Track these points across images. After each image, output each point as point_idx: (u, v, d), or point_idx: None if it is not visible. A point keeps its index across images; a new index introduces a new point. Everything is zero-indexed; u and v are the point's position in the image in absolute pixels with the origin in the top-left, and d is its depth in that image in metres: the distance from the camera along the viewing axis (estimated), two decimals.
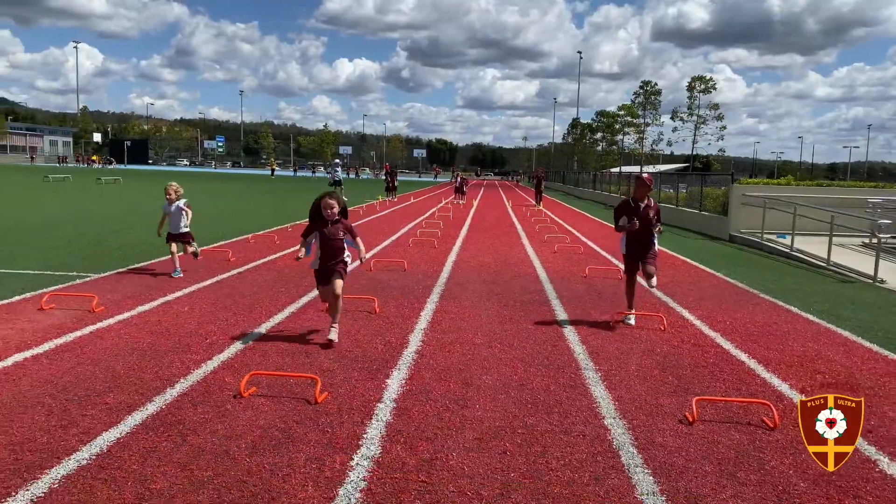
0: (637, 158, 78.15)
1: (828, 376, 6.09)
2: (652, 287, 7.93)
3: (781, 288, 10.87)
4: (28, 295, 8.16)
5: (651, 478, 3.92)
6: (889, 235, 14.00)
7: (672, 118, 73.93)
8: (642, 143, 78.82)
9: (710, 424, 4.81)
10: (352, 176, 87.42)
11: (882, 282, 11.62)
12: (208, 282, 9.51)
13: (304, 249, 6.76)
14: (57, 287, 8.61)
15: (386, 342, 6.69)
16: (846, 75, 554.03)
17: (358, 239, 6.58)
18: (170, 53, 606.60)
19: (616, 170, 58.75)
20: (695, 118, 71.53)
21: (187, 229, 10.23)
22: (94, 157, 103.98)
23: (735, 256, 15.37)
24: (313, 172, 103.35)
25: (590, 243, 16.96)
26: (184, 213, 10.14)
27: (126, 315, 7.38)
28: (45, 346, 6.07)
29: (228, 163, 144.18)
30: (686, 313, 8.61)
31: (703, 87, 71.97)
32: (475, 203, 34.94)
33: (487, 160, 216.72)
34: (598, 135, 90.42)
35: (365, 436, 4.37)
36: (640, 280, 8.11)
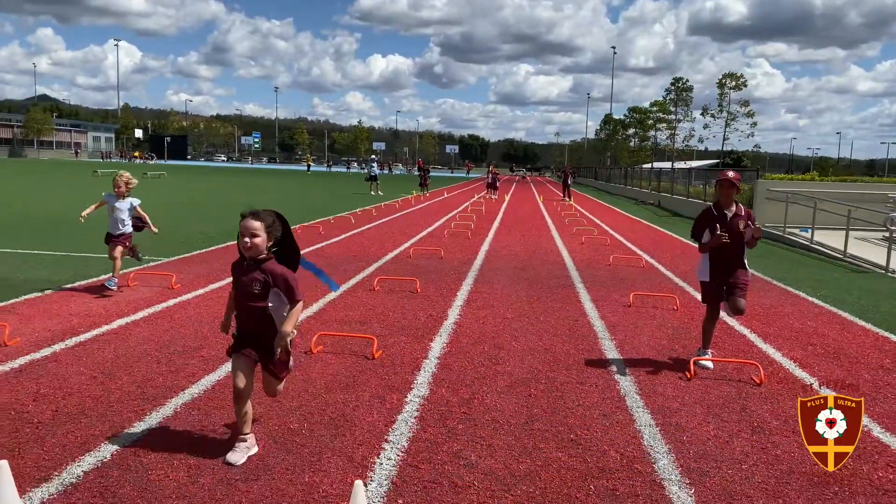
0: (669, 154, 78.20)
1: (818, 348, 6.90)
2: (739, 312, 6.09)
3: (795, 277, 11.58)
4: (110, 275, 9.28)
5: (649, 415, 4.82)
6: None
7: (702, 114, 73.87)
8: (673, 140, 78.82)
9: (705, 381, 5.68)
10: (385, 171, 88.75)
11: (894, 272, 12.26)
12: None
13: (227, 315, 4.17)
14: (135, 268, 9.73)
15: (428, 315, 7.66)
16: (889, 69, 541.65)
17: (297, 305, 3.90)
18: (206, 50, 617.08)
19: (647, 166, 59.05)
20: (725, 115, 71.42)
21: (129, 229, 8.42)
22: (135, 153, 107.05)
23: (756, 248, 16.02)
24: (348, 168, 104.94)
25: (617, 235, 17.74)
26: (129, 212, 8.38)
27: (200, 291, 8.46)
28: (140, 314, 7.15)
29: (264, 158, 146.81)
30: (699, 296, 9.41)
31: (733, 83, 71.87)
32: (507, 198, 35.77)
33: (520, 156, 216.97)
34: (631, 131, 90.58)
35: (416, 381, 5.34)
36: (723, 312, 6.29)
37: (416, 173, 47.86)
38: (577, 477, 3.83)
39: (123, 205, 8.28)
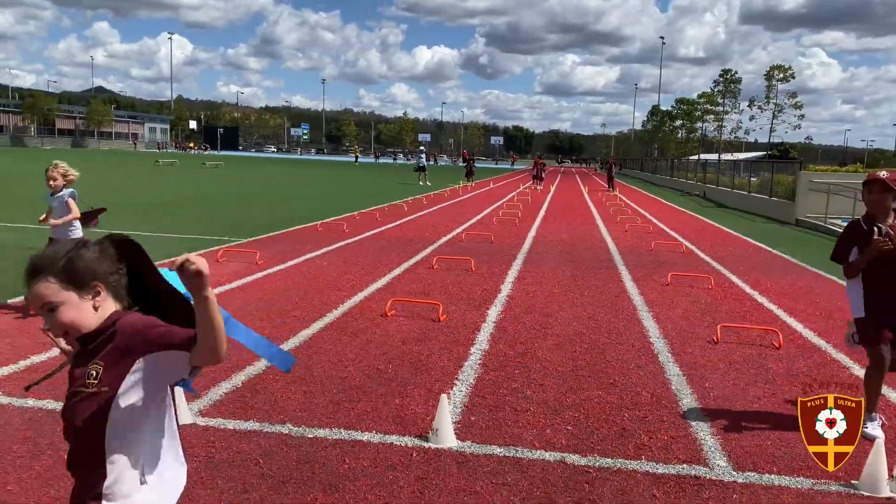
0: (717, 146, 77.54)
1: (839, 322, 7.60)
2: None
3: (830, 263, 12.14)
4: (200, 252, 10.46)
5: (678, 368, 5.67)
6: None
7: (749, 106, 73.01)
8: (720, 131, 78.05)
9: (731, 344, 6.48)
10: (431, 162, 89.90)
11: None
12: (333, 247, 11.64)
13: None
14: (221, 246, 10.88)
15: (483, 289, 8.59)
16: None
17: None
18: (255, 42, 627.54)
19: (695, 157, 58.85)
20: (772, 106, 70.48)
21: (79, 232, 6.73)
22: (190, 144, 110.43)
23: (796, 237, 16.54)
24: (394, 159, 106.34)
25: (660, 224, 18.39)
26: (66, 207, 6.70)
27: (282, 266, 9.54)
28: (234, 284, 8.25)
29: (313, 149, 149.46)
30: (734, 278, 10.15)
31: (781, 76, 70.90)
32: (552, 189, 36.43)
33: (565, 147, 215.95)
34: (678, 122, 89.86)
35: (477, 339, 6.28)
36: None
37: (461, 164, 48.74)
38: (613, 408, 4.72)
39: (56, 201, 6.70)
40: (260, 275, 8.84)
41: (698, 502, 3.49)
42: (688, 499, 3.51)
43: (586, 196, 31.18)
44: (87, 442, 1.73)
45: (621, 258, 11.75)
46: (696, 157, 61.47)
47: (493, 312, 7.37)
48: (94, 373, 1.73)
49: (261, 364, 5.21)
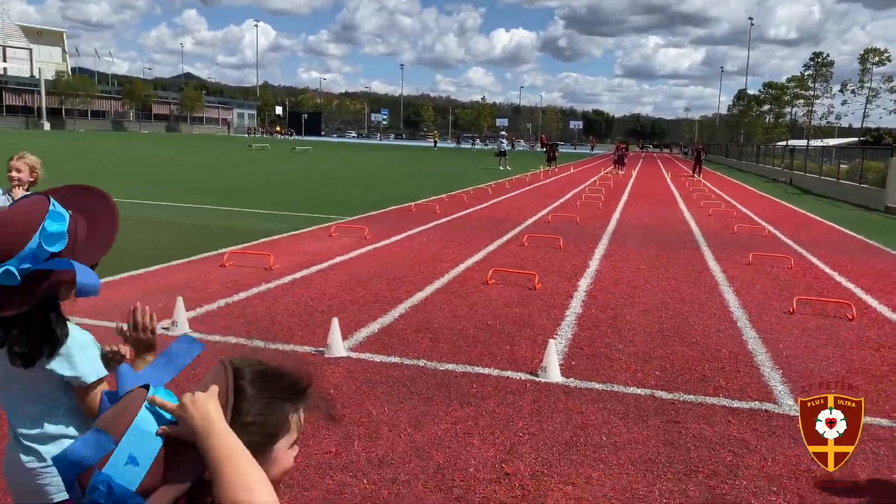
0: (807, 132, 74.84)
1: None
2: None
3: None
4: (315, 227, 11.61)
5: (755, 332, 6.32)
6: None
7: (841, 90, 70.11)
8: (810, 116, 75.22)
9: (806, 315, 7.06)
10: (509, 147, 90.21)
11: None
12: (429, 225, 12.61)
13: None
14: (332, 223, 12.01)
15: (573, 264, 9.36)
16: None
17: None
18: (335, 28, 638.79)
19: (783, 143, 57.17)
20: (866, 91, 67.51)
21: None
22: (277, 129, 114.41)
23: (882, 223, 16.49)
24: (473, 144, 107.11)
25: (744, 209, 18.58)
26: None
27: (387, 241, 10.56)
28: (349, 255, 9.30)
29: (392, 135, 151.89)
30: (815, 259, 10.55)
31: (876, 59, 67.84)
32: (633, 174, 36.48)
33: (646, 131, 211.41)
34: (766, 107, 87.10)
35: (570, 304, 7.09)
36: None
37: (541, 149, 49.08)
38: (695, 360, 5.46)
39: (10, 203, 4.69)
40: (370, 247, 9.88)
41: (767, 429, 4.22)
42: (758, 424, 4.25)
43: (669, 181, 31.20)
44: None
45: (704, 240, 12.25)
46: (783, 143, 59.65)
47: (584, 283, 8.14)
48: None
49: (394, 312, 6.18)
